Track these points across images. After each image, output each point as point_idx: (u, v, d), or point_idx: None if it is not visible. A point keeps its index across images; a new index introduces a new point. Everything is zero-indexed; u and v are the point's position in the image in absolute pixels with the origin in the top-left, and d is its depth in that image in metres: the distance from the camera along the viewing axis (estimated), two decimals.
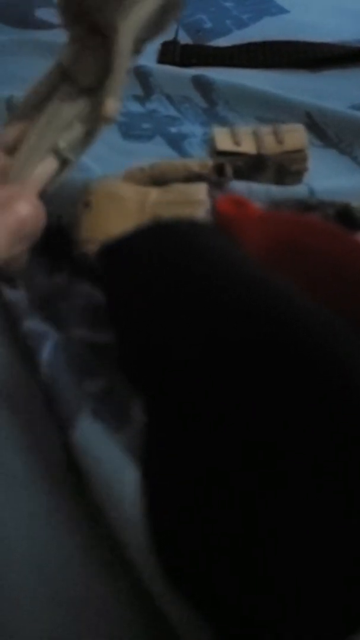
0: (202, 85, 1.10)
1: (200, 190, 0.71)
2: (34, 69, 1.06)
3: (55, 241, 0.73)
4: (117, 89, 0.64)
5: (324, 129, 0.99)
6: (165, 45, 1.27)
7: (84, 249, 0.70)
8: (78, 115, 0.65)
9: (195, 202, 0.70)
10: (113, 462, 0.51)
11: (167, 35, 1.29)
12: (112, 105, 0.64)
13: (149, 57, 1.23)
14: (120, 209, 0.70)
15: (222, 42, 1.31)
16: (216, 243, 0.61)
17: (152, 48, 1.26)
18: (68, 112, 0.65)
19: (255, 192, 0.77)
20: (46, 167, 0.65)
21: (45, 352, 0.60)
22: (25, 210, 0.61)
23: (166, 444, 0.51)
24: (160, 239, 0.61)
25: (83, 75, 0.65)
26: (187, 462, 0.50)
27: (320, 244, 0.63)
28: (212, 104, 1.07)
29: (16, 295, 0.69)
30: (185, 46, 1.28)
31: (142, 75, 1.14)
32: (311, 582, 0.42)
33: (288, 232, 0.64)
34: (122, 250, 0.62)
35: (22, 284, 0.70)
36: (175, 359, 0.54)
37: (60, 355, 0.61)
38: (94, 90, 0.65)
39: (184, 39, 1.32)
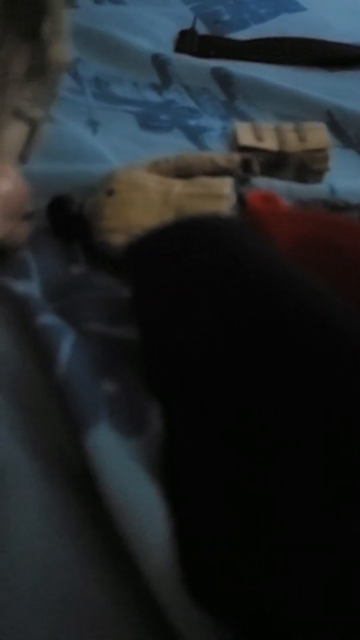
0: (222, 78, 1.10)
1: (226, 185, 0.71)
2: None
3: (74, 229, 0.73)
4: (58, 30, 0.63)
5: (344, 129, 0.99)
6: (182, 34, 1.27)
7: (105, 237, 0.70)
8: (29, 67, 0.64)
9: (220, 196, 0.71)
10: (126, 471, 0.50)
11: (184, 24, 1.30)
12: (58, 48, 0.63)
13: (166, 45, 1.23)
14: (144, 199, 0.70)
15: (240, 35, 1.31)
16: (244, 240, 0.61)
17: (169, 36, 1.26)
18: (18, 65, 0.63)
19: (277, 189, 0.77)
20: (15, 133, 0.65)
21: (64, 351, 0.58)
22: (6, 186, 0.62)
23: (188, 442, 0.51)
24: (187, 236, 0.61)
25: (20, 20, 0.63)
26: (211, 462, 0.50)
27: (348, 243, 0.63)
28: (232, 97, 1.07)
29: (28, 288, 0.67)
30: (204, 37, 1.28)
31: (160, 64, 1.14)
32: (343, 590, 0.42)
33: (316, 231, 0.64)
34: (149, 246, 0.62)
35: (36, 276, 0.69)
36: (199, 355, 0.54)
37: (79, 353, 0.59)
38: (37, 36, 0.63)
39: (202, 29, 1.31)
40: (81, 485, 0.51)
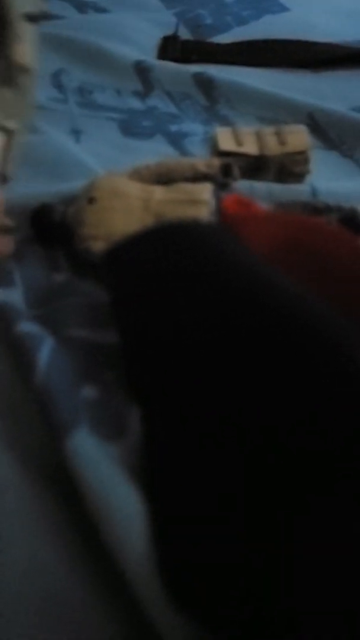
0: (204, 83, 1.11)
1: (205, 190, 0.73)
2: (41, 62, 1.07)
3: (57, 237, 0.75)
4: (18, 33, 0.63)
5: (326, 130, 1.00)
6: (165, 40, 1.28)
7: (87, 244, 0.71)
8: None
9: (200, 202, 0.72)
10: (106, 475, 0.51)
11: (168, 30, 1.31)
12: (21, 50, 0.64)
13: (149, 52, 1.24)
14: (125, 206, 0.71)
15: (223, 38, 1.31)
16: (222, 244, 0.62)
17: (153, 42, 1.27)
18: None
19: (257, 191, 0.79)
20: None
21: (43, 357, 0.60)
22: None
23: (168, 446, 0.52)
24: (165, 241, 0.63)
25: None
26: (191, 466, 0.51)
27: (326, 247, 0.64)
28: (213, 102, 1.09)
29: (9, 296, 0.68)
30: (186, 42, 1.29)
31: (142, 71, 1.15)
32: (329, 589, 0.43)
33: (293, 234, 0.65)
34: (127, 252, 0.64)
35: (20, 284, 0.71)
36: (179, 360, 0.56)
37: (58, 360, 0.60)
38: (1, 47, 0.64)
39: (184, 34, 1.32)
40: (62, 490, 0.52)
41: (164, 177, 0.75)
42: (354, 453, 0.46)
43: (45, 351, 0.60)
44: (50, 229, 0.75)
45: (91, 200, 0.72)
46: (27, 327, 0.63)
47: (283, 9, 1.43)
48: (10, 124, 0.67)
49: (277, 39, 1.30)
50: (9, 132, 0.67)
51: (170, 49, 1.26)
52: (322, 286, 0.58)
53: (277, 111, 1.03)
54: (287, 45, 1.28)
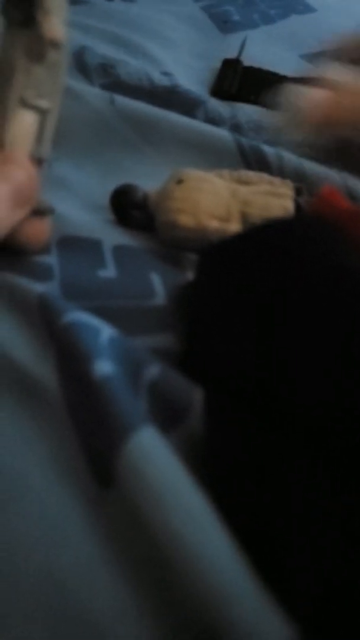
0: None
1: (289, 187, 0.79)
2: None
3: (137, 218, 0.79)
4: (51, 6, 0.64)
5: None
6: (225, 65, 1.23)
7: (173, 217, 0.76)
8: (28, 55, 0.65)
9: (285, 195, 0.78)
10: (171, 480, 0.49)
11: (194, 25, 1.36)
12: (52, 25, 0.64)
13: (171, 46, 1.27)
14: (213, 189, 0.77)
15: (250, 34, 1.37)
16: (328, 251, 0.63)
17: (176, 36, 1.31)
18: (16, 54, 0.65)
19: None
20: (24, 124, 0.67)
21: (103, 343, 0.57)
22: (19, 175, 0.65)
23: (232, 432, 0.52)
24: (262, 245, 0.63)
25: (14, 8, 0.65)
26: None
27: None
28: None
29: (46, 288, 0.66)
30: (248, 70, 1.21)
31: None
32: None
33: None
34: (222, 252, 0.64)
35: (58, 277, 0.70)
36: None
37: (120, 346, 0.58)
38: (31, 23, 0.65)
39: (210, 28, 1.39)
40: (87, 495, 0.51)
41: (244, 184, 0.80)
42: None
43: (105, 337, 0.58)
44: (130, 209, 0.79)
45: (180, 181, 0.77)
46: (78, 316, 0.60)
47: (309, 9, 1.51)
48: (43, 103, 0.67)
49: None
50: (42, 112, 0.67)
51: (229, 78, 1.18)
52: None
53: None
54: None
